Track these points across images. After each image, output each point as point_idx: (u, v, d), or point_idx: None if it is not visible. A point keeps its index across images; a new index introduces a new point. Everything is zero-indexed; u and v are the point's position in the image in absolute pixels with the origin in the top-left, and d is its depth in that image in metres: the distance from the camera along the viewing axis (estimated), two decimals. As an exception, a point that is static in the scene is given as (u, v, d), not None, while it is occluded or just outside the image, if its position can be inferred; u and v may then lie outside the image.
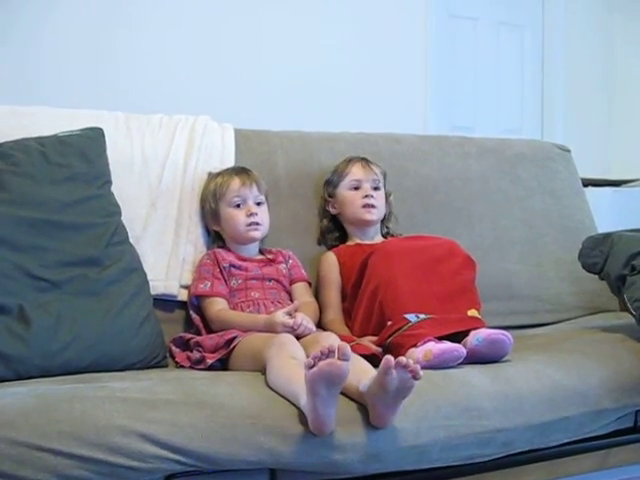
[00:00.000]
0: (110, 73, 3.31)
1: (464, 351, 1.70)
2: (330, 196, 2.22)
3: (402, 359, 1.38)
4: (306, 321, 1.77)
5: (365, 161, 2.22)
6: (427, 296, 1.84)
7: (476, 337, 1.74)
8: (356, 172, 2.19)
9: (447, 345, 1.70)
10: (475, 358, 1.73)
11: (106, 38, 3.33)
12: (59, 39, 3.24)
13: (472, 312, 1.86)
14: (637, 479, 2.07)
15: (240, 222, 2.00)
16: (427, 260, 1.91)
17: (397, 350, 1.71)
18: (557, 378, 1.72)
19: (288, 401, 1.45)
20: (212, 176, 2.08)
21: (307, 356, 1.56)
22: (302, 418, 1.42)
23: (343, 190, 2.19)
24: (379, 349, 1.76)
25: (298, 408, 1.43)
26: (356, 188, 2.18)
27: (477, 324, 1.81)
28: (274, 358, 1.56)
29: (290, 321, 1.75)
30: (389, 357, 1.39)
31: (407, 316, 1.78)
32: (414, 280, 1.86)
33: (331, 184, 2.22)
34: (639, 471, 1.92)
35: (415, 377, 1.39)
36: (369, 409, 1.46)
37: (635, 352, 1.86)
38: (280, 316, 1.77)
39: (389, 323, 1.80)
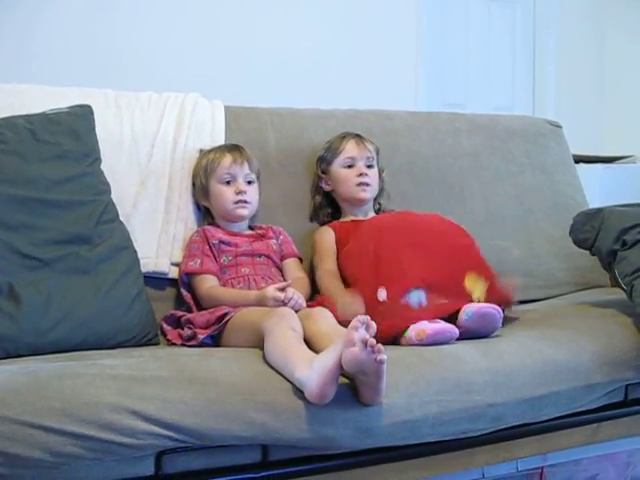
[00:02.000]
0: (99, 51, 3.29)
1: (457, 332, 1.71)
2: (323, 172, 2.19)
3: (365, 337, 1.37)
4: (297, 296, 1.77)
5: (359, 138, 2.19)
6: (423, 262, 1.83)
7: (466, 312, 1.75)
8: (350, 149, 2.17)
9: (440, 326, 1.71)
10: (466, 334, 1.74)
11: (96, 17, 3.31)
12: (50, 18, 3.21)
13: (470, 277, 1.84)
14: (626, 452, 2.09)
15: (228, 199, 1.99)
16: (419, 231, 1.91)
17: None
18: (548, 353, 1.73)
19: (281, 375, 1.45)
20: (205, 152, 2.07)
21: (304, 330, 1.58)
22: (294, 393, 1.42)
23: (337, 167, 2.17)
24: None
25: (290, 383, 1.43)
26: (350, 166, 2.15)
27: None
28: (274, 329, 1.55)
29: (281, 295, 1.75)
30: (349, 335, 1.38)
31: (409, 301, 1.78)
32: (411, 249, 1.85)
33: (325, 161, 2.19)
34: (628, 445, 1.93)
35: (374, 352, 1.36)
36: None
37: (626, 327, 1.87)
38: (271, 291, 1.77)
39: (382, 293, 1.79)
